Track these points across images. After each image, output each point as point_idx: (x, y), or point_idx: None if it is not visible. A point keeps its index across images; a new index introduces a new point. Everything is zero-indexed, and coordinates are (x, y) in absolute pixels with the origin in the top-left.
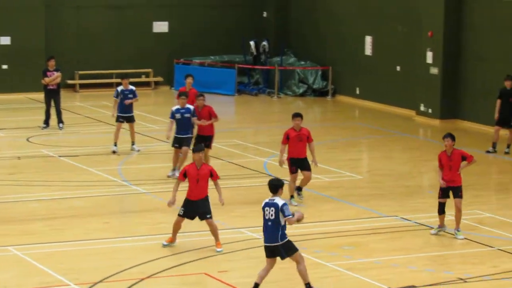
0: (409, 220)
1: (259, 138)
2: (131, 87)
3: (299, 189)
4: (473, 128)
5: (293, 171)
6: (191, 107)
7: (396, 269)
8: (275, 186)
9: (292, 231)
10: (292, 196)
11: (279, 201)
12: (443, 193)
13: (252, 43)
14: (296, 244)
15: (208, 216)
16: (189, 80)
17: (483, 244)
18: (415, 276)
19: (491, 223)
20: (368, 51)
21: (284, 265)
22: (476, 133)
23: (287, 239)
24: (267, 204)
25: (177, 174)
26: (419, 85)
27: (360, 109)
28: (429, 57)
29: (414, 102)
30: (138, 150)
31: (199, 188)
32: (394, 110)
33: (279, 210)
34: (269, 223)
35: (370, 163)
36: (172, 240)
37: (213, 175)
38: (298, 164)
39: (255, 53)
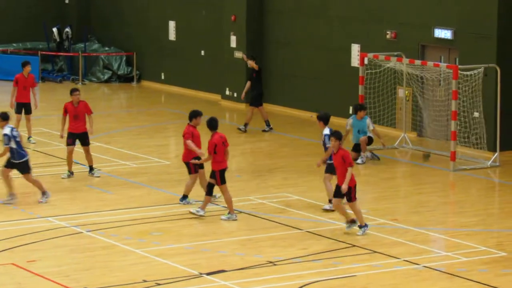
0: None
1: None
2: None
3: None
4: (278, 111)
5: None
6: None
7: (206, 254)
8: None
9: (99, 219)
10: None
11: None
12: None
13: (55, 29)
14: (105, 231)
15: None
16: (27, 68)
17: (291, 227)
18: (226, 260)
19: (298, 206)
20: (172, 36)
21: (95, 252)
22: (281, 115)
23: None
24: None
25: None
26: (224, 69)
27: (166, 94)
28: (233, 41)
29: (219, 87)
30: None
31: None
32: (200, 95)
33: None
34: None
35: (177, 148)
36: None
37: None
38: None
39: (58, 39)
